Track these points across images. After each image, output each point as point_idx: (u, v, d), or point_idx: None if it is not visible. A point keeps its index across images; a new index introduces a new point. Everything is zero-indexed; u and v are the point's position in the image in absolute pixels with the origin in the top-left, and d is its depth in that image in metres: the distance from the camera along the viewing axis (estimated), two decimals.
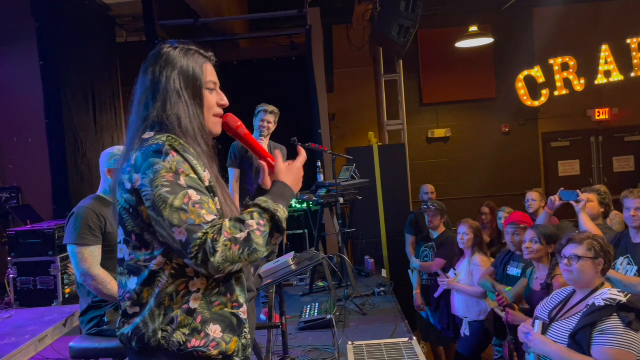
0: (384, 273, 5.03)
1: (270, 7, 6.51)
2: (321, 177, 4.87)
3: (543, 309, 2.51)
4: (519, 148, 8.24)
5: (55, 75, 5.32)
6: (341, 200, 4.50)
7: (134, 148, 1.42)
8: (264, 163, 1.58)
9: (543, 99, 8.13)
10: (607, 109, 8.27)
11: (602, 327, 2.14)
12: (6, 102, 5.42)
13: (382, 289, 4.67)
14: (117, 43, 6.88)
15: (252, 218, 1.35)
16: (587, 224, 3.27)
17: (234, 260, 1.30)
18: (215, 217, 1.33)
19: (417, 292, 4.67)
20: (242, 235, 1.31)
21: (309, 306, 4.13)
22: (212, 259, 1.27)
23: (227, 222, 1.33)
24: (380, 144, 6.28)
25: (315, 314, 3.97)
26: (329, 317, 3.83)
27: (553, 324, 2.38)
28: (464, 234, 4.00)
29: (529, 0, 7.23)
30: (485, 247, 4.06)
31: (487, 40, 7.09)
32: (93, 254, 2.49)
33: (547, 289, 3.16)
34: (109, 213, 2.55)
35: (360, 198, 4.67)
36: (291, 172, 1.51)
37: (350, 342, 2.77)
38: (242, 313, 1.46)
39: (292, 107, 6.45)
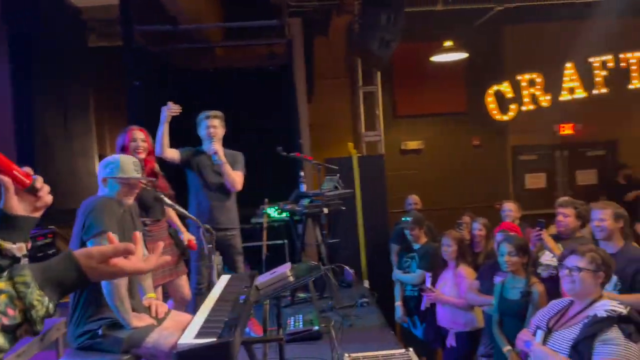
0: (367, 284, 5.03)
1: (248, 15, 6.45)
2: (304, 187, 4.85)
3: (540, 318, 2.56)
4: (489, 161, 8.44)
5: (25, 80, 5.13)
6: (326, 210, 4.49)
7: None
8: (5, 178, 1.16)
9: (512, 114, 8.37)
10: (571, 125, 8.58)
11: (603, 338, 2.20)
12: None
13: (365, 299, 4.67)
14: (89, 48, 6.68)
15: None
16: (552, 248, 3.45)
17: None
18: None
19: (399, 303, 4.69)
20: None
21: (292, 318, 4.09)
22: None
23: None
24: (359, 154, 6.32)
25: (300, 325, 3.94)
26: (315, 328, 3.82)
27: (552, 333, 2.43)
28: (447, 246, 4.06)
29: (501, 18, 7.44)
30: (469, 257, 4.12)
31: (461, 55, 7.26)
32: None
33: (527, 296, 3.26)
34: None
35: (345, 208, 4.67)
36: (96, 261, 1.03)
37: (347, 355, 2.74)
38: None
39: (270, 117, 6.43)
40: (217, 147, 4.06)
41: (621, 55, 8.27)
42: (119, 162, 2.75)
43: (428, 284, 4.17)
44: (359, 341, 3.71)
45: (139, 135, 3.59)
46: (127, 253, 1.08)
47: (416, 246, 4.60)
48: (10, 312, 0.92)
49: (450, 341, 3.95)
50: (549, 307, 2.60)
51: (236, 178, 4.12)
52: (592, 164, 8.85)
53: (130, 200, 2.83)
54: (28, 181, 1.17)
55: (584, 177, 8.87)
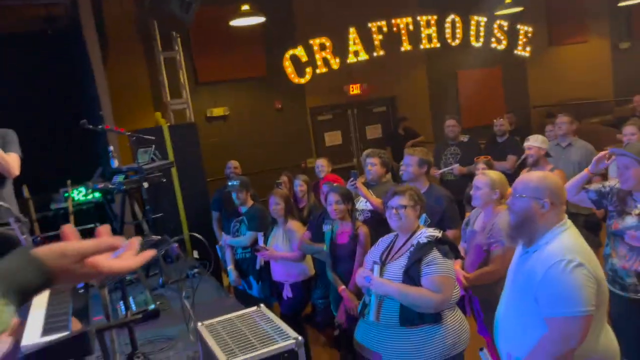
0: (195, 254, 4.94)
1: None
2: (115, 162, 4.49)
3: (373, 254, 2.88)
4: (292, 123, 8.87)
5: None
6: (146, 184, 4.25)
7: None
8: None
9: (307, 77, 8.87)
10: (358, 85, 9.48)
11: (427, 260, 2.59)
12: None
13: (196, 270, 4.61)
14: None
15: None
16: (365, 195, 3.89)
17: None
18: None
19: (231, 267, 4.74)
20: None
21: (121, 301, 3.86)
22: None
23: None
24: (169, 124, 6.04)
25: (134, 308, 3.75)
26: (151, 307, 3.66)
27: (386, 266, 2.76)
28: (275, 204, 4.22)
29: None
30: (295, 213, 4.35)
31: (258, 19, 7.35)
32: None
33: (355, 239, 3.62)
34: None
35: (165, 180, 4.48)
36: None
37: (200, 323, 2.71)
38: None
39: (57, 89, 5.70)
40: None
41: (393, 21, 9.34)
42: None
43: (261, 244, 4.29)
44: (202, 311, 3.68)
45: None
46: (112, 249, 0.89)
47: (244, 209, 4.67)
48: None
49: (287, 293, 4.17)
50: (378, 243, 2.94)
51: (9, 161, 3.37)
52: (378, 120, 9.99)
53: None
54: None
55: (372, 131, 9.96)
